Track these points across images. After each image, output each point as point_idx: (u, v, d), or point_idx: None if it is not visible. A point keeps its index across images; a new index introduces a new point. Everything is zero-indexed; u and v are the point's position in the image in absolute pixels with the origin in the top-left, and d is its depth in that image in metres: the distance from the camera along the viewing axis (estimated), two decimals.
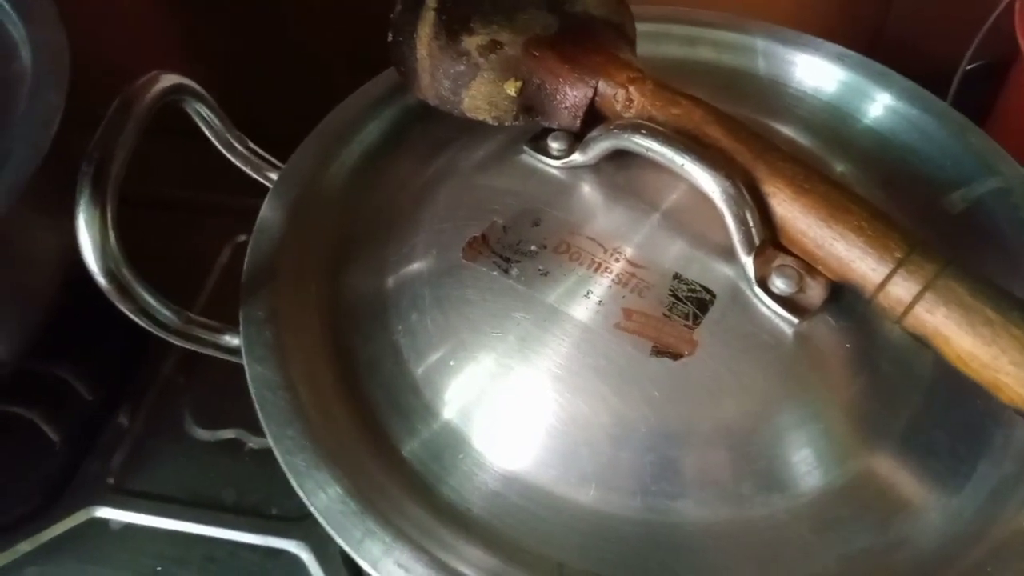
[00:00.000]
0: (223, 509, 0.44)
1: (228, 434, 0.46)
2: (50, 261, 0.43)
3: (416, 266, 0.30)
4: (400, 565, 0.23)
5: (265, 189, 0.33)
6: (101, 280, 0.25)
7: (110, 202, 0.25)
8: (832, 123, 0.35)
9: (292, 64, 0.55)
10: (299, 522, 0.43)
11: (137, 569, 0.42)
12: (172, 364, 0.49)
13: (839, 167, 0.32)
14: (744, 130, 0.28)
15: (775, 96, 0.36)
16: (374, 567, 0.23)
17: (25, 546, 0.42)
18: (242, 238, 0.51)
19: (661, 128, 0.27)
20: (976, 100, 0.47)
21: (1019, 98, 0.48)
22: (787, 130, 0.33)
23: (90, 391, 0.47)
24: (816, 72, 0.36)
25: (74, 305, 0.44)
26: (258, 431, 0.46)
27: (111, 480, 0.44)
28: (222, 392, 0.47)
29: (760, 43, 0.37)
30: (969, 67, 0.50)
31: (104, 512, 0.43)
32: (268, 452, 0.45)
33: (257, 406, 0.26)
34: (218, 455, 0.46)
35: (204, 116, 0.31)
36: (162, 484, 0.44)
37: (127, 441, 0.46)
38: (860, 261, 0.25)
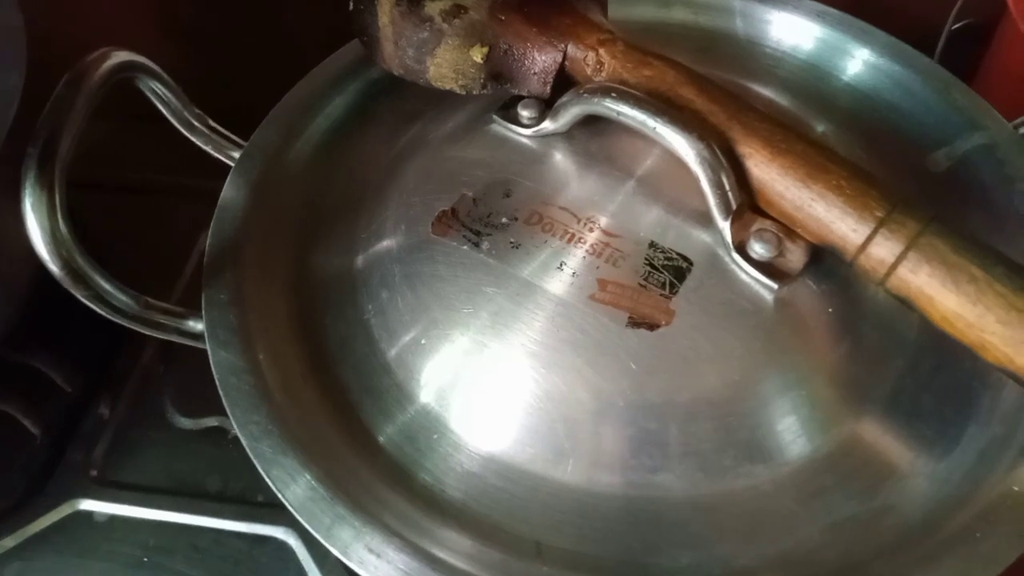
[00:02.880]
0: (208, 497, 0.43)
1: (211, 422, 0.45)
2: (20, 249, 0.41)
3: (385, 243, 0.29)
4: (371, 550, 0.22)
5: None
6: (51, 267, 0.24)
7: (58, 184, 0.24)
8: (812, 83, 0.34)
9: (269, 40, 0.54)
10: (285, 509, 0.42)
11: (123, 560, 0.41)
12: (152, 353, 0.48)
13: (820, 127, 0.31)
14: (718, 90, 0.27)
15: (754, 57, 0.35)
16: (344, 553, 0.22)
17: (9, 541, 0.42)
18: None
19: (632, 91, 0.26)
20: (962, 60, 0.46)
21: (1005, 57, 0.47)
22: (767, 91, 0.32)
23: (69, 382, 0.46)
24: (795, 30, 0.35)
25: (50, 295, 0.43)
26: None
27: (94, 472, 0.44)
28: (203, 380, 0.45)
29: (737, 2, 0.36)
30: (955, 27, 0.49)
31: (88, 504, 0.43)
32: None
33: (221, 392, 0.25)
34: (201, 443, 0.45)
35: (160, 94, 0.30)
36: (146, 474, 0.44)
37: (109, 432, 0.45)
38: (840, 222, 0.24)
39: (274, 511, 0.42)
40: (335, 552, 0.22)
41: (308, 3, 0.54)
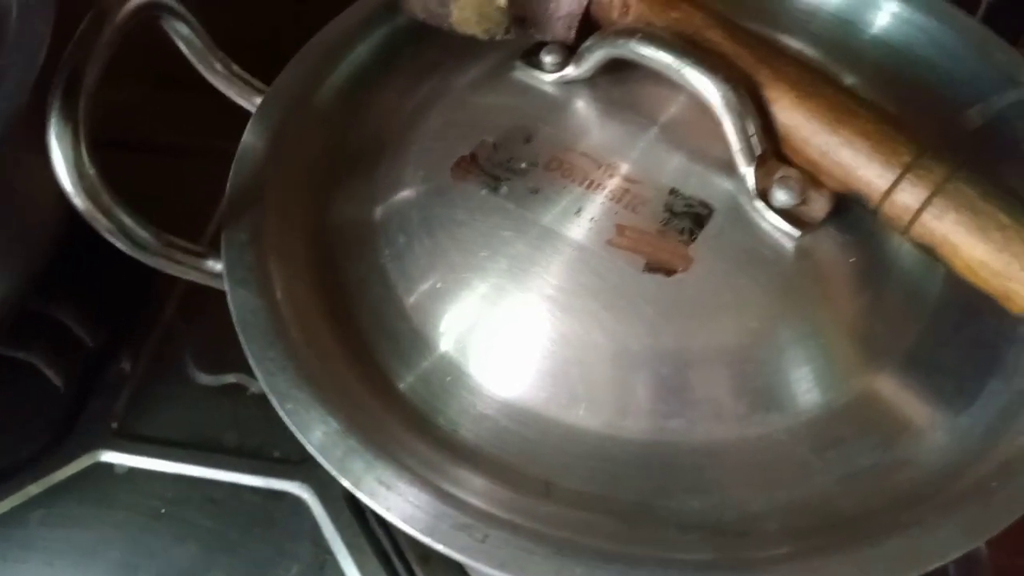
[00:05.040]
0: (225, 452, 0.43)
1: (230, 379, 0.46)
2: (48, 197, 0.42)
3: (404, 188, 0.29)
4: (382, 483, 0.22)
5: None
6: (75, 199, 0.24)
7: (83, 117, 0.24)
8: (841, 38, 0.33)
9: None
10: (301, 464, 0.42)
11: (142, 511, 0.42)
12: (173, 310, 0.49)
13: (849, 81, 0.30)
14: (747, 34, 0.26)
15: (783, 11, 0.34)
16: (356, 485, 0.22)
17: (33, 488, 0.43)
18: None
19: (658, 32, 0.26)
20: (1008, 22, 0.44)
21: None
22: (796, 44, 0.32)
23: (91, 336, 0.46)
24: None
25: (75, 249, 0.44)
26: None
27: (115, 425, 0.44)
28: (223, 337, 0.46)
29: None
30: None
31: (109, 456, 0.44)
32: None
33: (238, 328, 0.26)
34: (220, 399, 0.45)
35: (183, 35, 0.30)
36: (165, 428, 0.44)
37: (130, 386, 0.46)
38: (865, 168, 0.24)
39: (290, 467, 0.43)
40: (347, 484, 0.22)
41: None
